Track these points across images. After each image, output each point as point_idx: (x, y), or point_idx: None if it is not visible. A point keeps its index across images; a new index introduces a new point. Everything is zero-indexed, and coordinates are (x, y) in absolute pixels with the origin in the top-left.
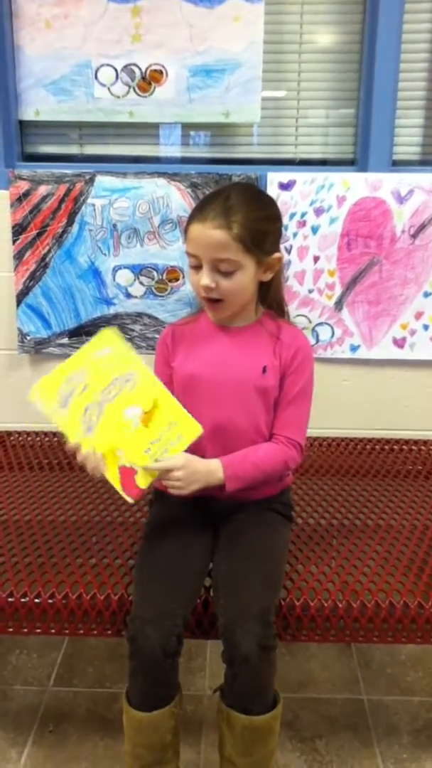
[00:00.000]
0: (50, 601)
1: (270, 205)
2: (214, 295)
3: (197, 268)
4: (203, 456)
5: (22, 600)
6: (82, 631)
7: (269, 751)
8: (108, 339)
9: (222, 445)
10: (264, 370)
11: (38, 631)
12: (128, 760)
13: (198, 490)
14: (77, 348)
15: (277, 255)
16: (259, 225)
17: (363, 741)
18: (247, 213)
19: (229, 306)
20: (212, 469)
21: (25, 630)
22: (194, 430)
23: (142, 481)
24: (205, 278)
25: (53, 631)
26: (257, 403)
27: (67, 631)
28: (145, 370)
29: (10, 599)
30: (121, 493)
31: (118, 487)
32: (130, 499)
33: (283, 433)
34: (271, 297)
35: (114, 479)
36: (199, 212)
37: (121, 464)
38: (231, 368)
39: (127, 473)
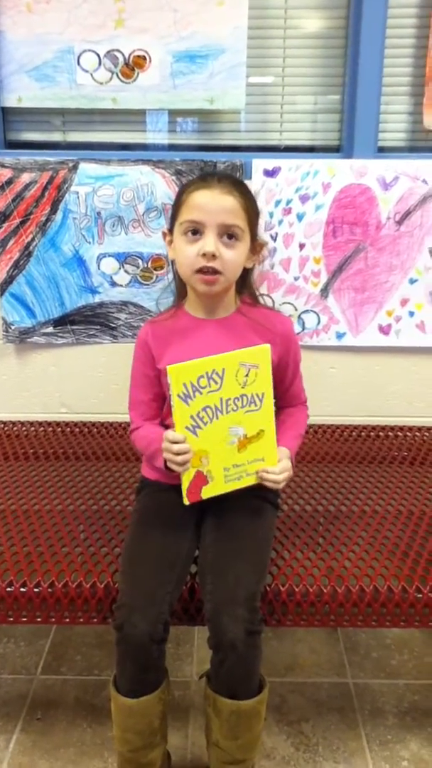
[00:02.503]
0: (36, 590)
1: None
2: (216, 265)
3: (195, 236)
4: None
5: (8, 589)
6: (68, 620)
7: (255, 734)
8: (262, 355)
9: None
10: None
11: (24, 619)
12: (117, 746)
13: None
14: (62, 337)
15: (262, 240)
16: (253, 204)
17: (349, 723)
18: (244, 190)
19: (224, 280)
20: (290, 461)
21: (11, 619)
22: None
23: (207, 492)
24: (210, 244)
25: (39, 619)
26: None
27: (53, 620)
28: (270, 401)
29: None
30: (184, 494)
31: (185, 487)
32: (186, 501)
33: (297, 401)
34: (246, 285)
35: (186, 480)
36: (201, 182)
37: (198, 469)
38: None
39: (199, 479)
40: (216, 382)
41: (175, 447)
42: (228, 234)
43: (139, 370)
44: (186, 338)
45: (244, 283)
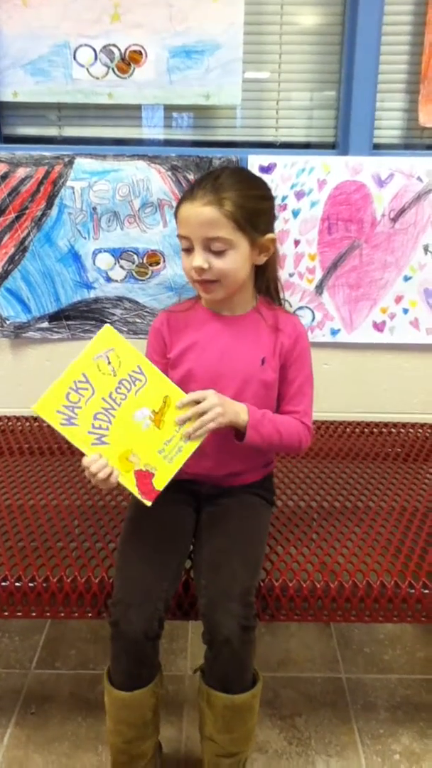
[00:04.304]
0: (31, 584)
1: (262, 185)
2: (208, 276)
3: (189, 251)
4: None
5: (3, 584)
6: (63, 614)
7: (249, 728)
8: (108, 338)
9: (223, 441)
10: (263, 362)
11: (19, 614)
12: (110, 737)
13: (227, 424)
14: (57, 332)
15: (270, 236)
16: (250, 203)
17: (341, 718)
18: (238, 190)
19: (222, 287)
20: (239, 410)
21: (6, 613)
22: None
23: (160, 483)
24: (198, 259)
25: (34, 614)
26: (257, 395)
27: (48, 614)
28: (151, 367)
29: None
30: (140, 497)
31: (135, 492)
32: (148, 503)
33: (294, 417)
34: (266, 282)
35: (131, 485)
36: (189, 193)
37: (136, 469)
38: (230, 362)
39: (143, 477)
40: (86, 389)
41: (94, 468)
42: (210, 248)
43: (149, 355)
44: (199, 333)
45: (263, 278)
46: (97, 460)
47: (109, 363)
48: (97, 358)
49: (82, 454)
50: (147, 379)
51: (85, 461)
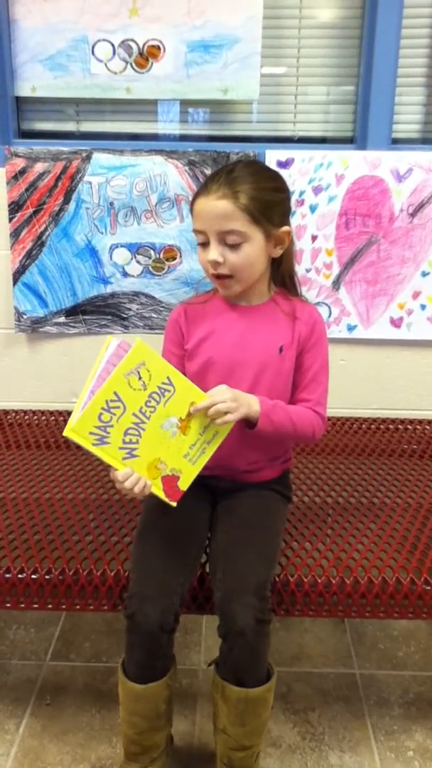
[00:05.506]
0: (47, 576)
1: (276, 177)
2: (223, 271)
3: (204, 245)
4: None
5: (20, 576)
6: (78, 606)
7: (262, 722)
8: (140, 353)
9: (240, 433)
10: (281, 350)
11: (35, 606)
12: (123, 728)
13: (242, 417)
14: (74, 327)
15: (285, 228)
16: (265, 195)
17: (355, 713)
18: (252, 183)
19: (238, 282)
20: (252, 401)
21: (23, 605)
22: (227, 426)
23: (184, 484)
24: (213, 253)
25: (50, 606)
26: (275, 383)
27: (63, 607)
28: (179, 376)
29: (7, 575)
30: (166, 500)
31: (162, 496)
32: (173, 504)
33: (307, 406)
34: (282, 273)
35: (158, 491)
36: (203, 187)
37: (163, 475)
38: (248, 349)
39: (169, 481)
40: (118, 407)
41: (128, 484)
42: (225, 241)
43: (166, 347)
44: (216, 323)
45: (279, 270)
46: (129, 475)
47: (140, 378)
48: (128, 375)
49: None
50: (175, 388)
51: (117, 476)
